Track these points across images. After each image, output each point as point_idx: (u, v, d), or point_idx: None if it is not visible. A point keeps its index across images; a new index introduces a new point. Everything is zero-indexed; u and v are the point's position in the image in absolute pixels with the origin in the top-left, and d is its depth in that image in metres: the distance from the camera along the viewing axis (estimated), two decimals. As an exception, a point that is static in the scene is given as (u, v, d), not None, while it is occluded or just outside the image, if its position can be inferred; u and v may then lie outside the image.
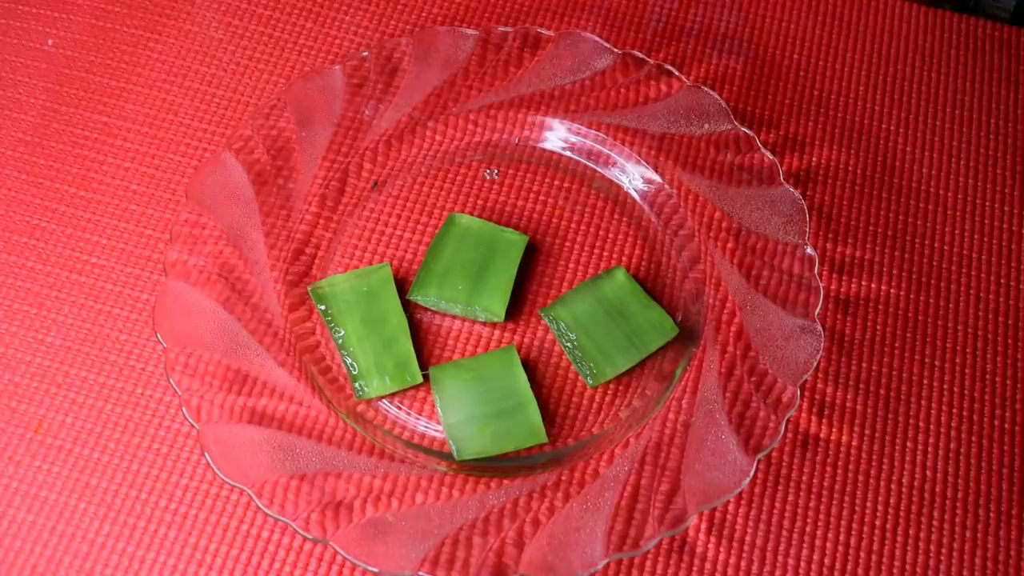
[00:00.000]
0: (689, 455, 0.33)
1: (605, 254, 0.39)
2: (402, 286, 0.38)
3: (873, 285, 0.38)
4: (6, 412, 0.36)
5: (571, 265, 0.39)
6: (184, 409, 0.33)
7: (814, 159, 0.41)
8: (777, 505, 0.35)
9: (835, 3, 0.44)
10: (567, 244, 0.39)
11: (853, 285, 0.38)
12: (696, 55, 0.43)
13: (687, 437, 0.34)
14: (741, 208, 0.38)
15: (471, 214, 0.39)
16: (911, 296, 0.38)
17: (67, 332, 0.37)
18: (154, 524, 0.34)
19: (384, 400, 0.36)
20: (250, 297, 0.36)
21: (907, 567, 0.34)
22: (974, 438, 0.36)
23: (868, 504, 0.35)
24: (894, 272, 0.39)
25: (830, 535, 0.34)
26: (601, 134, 0.40)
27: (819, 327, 0.34)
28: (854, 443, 0.36)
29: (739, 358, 0.35)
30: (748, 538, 0.34)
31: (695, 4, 0.44)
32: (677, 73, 0.39)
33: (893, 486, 0.35)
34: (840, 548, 0.34)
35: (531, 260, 0.39)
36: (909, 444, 0.36)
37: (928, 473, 0.35)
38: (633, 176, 0.40)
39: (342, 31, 0.43)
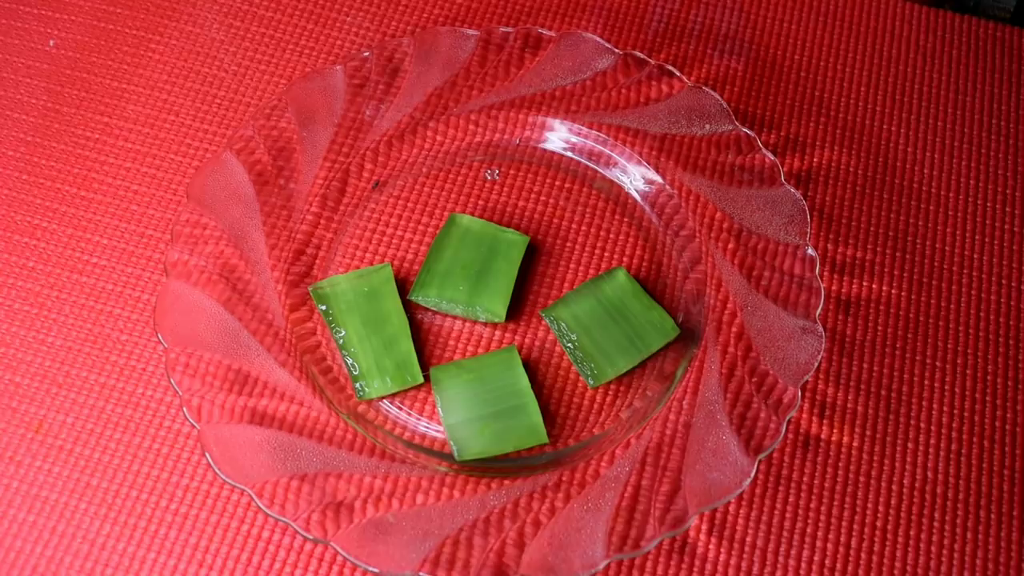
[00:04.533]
0: (690, 456, 0.33)
1: (606, 255, 0.39)
2: (403, 286, 0.38)
3: (874, 286, 0.38)
4: (7, 412, 0.36)
5: (572, 266, 0.39)
6: (185, 409, 0.33)
7: (815, 160, 0.41)
8: (778, 506, 0.35)
9: (836, 4, 0.45)
10: (568, 245, 0.39)
11: (854, 286, 0.38)
12: (697, 56, 0.43)
13: (688, 438, 0.34)
14: (742, 209, 0.38)
15: (472, 214, 0.39)
16: (912, 297, 0.38)
17: (68, 332, 0.37)
18: (154, 524, 0.34)
19: (385, 400, 0.36)
20: (251, 297, 0.36)
21: (908, 568, 0.34)
22: (975, 439, 0.36)
23: (869, 505, 0.35)
24: (895, 273, 0.39)
25: (831, 536, 0.34)
26: (602, 135, 0.40)
27: (820, 328, 0.34)
28: (855, 444, 0.36)
29: (740, 359, 0.35)
30: (749, 539, 0.34)
31: (696, 5, 0.44)
32: (678, 74, 0.39)
33: (894, 487, 0.35)
34: (841, 549, 0.34)
35: (532, 260, 0.39)
36: (910, 445, 0.36)
37: (929, 474, 0.35)
38: (634, 176, 0.40)
39: (343, 32, 0.43)
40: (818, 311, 0.35)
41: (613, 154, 0.40)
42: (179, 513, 0.34)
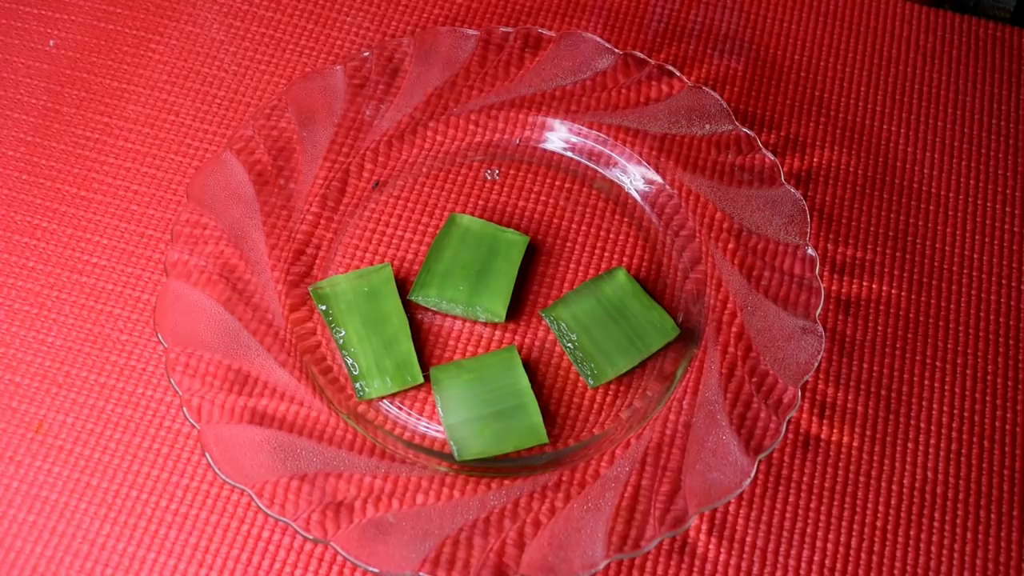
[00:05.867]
0: (690, 456, 0.33)
1: (606, 255, 0.39)
2: (403, 286, 0.38)
3: (874, 286, 0.38)
4: (7, 412, 0.36)
5: (572, 266, 0.39)
6: (185, 409, 0.33)
7: (815, 160, 0.41)
8: (778, 506, 0.35)
9: (836, 4, 0.45)
10: (568, 244, 0.39)
11: (854, 286, 0.38)
12: (697, 56, 0.43)
13: (688, 438, 0.34)
14: (742, 209, 0.38)
15: (472, 214, 0.39)
16: (912, 297, 0.38)
17: (68, 332, 0.37)
18: (154, 524, 0.34)
19: (385, 400, 0.36)
20: (251, 297, 0.36)
21: (908, 568, 0.34)
22: (975, 439, 0.36)
23: (869, 505, 0.35)
24: (895, 273, 0.39)
25: (831, 536, 0.34)
26: (602, 135, 0.40)
27: (820, 328, 0.34)
28: (855, 444, 0.36)
29: (740, 359, 0.35)
30: (749, 539, 0.34)
31: (696, 5, 0.44)
32: (678, 74, 0.39)
33: (894, 487, 0.35)
34: (841, 549, 0.34)
35: (532, 260, 0.39)
36: (910, 445, 0.36)
37: (929, 474, 0.35)
38: (634, 176, 0.40)
39: (343, 32, 0.43)
40: (818, 311, 0.35)
41: (613, 154, 0.40)
42: (179, 513, 0.34)
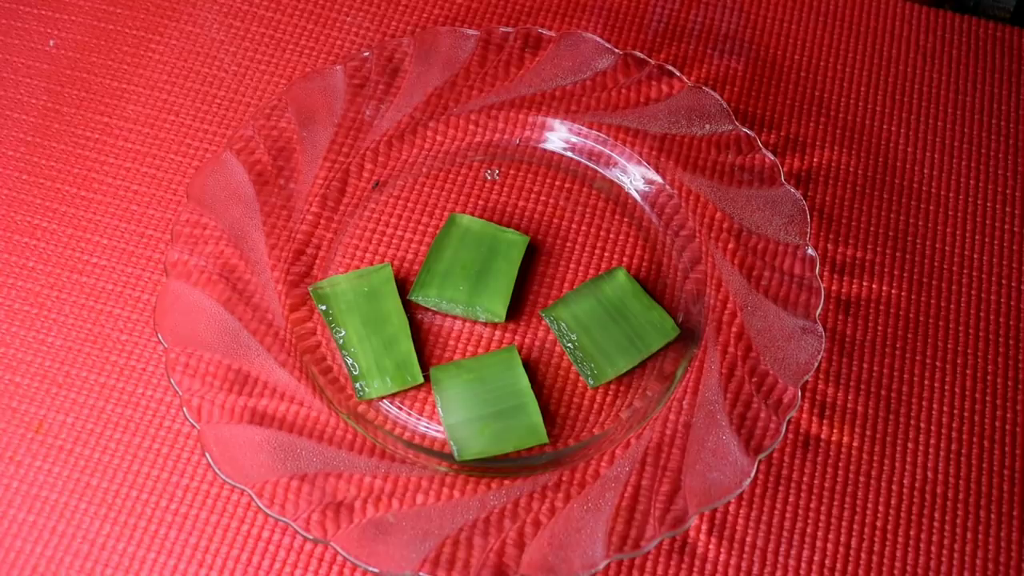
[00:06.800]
0: (690, 456, 0.33)
1: (606, 255, 0.39)
2: (403, 286, 0.38)
3: (874, 286, 0.38)
4: (7, 412, 0.36)
5: (572, 266, 0.39)
6: (185, 409, 0.33)
7: (815, 160, 0.41)
8: (778, 506, 0.35)
9: (836, 4, 0.45)
10: (568, 244, 0.39)
11: (854, 286, 0.38)
12: (697, 56, 0.43)
13: (688, 438, 0.34)
14: (742, 209, 0.38)
15: (472, 214, 0.39)
16: (912, 297, 0.38)
17: (67, 332, 0.37)
18: (154, 524, 0.34)
19: (385, 400, 0.36)
20: (251, 297, 0.36)
21: (908, 568, 0.34)
22: (975, 439, 0.36)
23: (869, 505, 0.35)
24: (895, 273, 0.39)
25: (831, 536, 0.34)
26: (602, 135, 0.40)
27: (820, 328, 0.34)
28: (855, 444, 0.36)
29: (740, 359, 0.35)
30: (749, 539, 0.34)
31: (696, 5, 0.44)
32: (678, 74, 0.39)
33: (894, 487, 0.35)
34: (841, 549, 0.34)
35: (532, 260, 0.39)
36: (910, 445, 0.36)
37: (929, 474, 0.35)
38: (634, 176, 0.40)
39: (343, 32, 0.43)
40: (818, 311, 0.35)
41: (613, 154, 0.40)
42: (179, 513, 0.34)
